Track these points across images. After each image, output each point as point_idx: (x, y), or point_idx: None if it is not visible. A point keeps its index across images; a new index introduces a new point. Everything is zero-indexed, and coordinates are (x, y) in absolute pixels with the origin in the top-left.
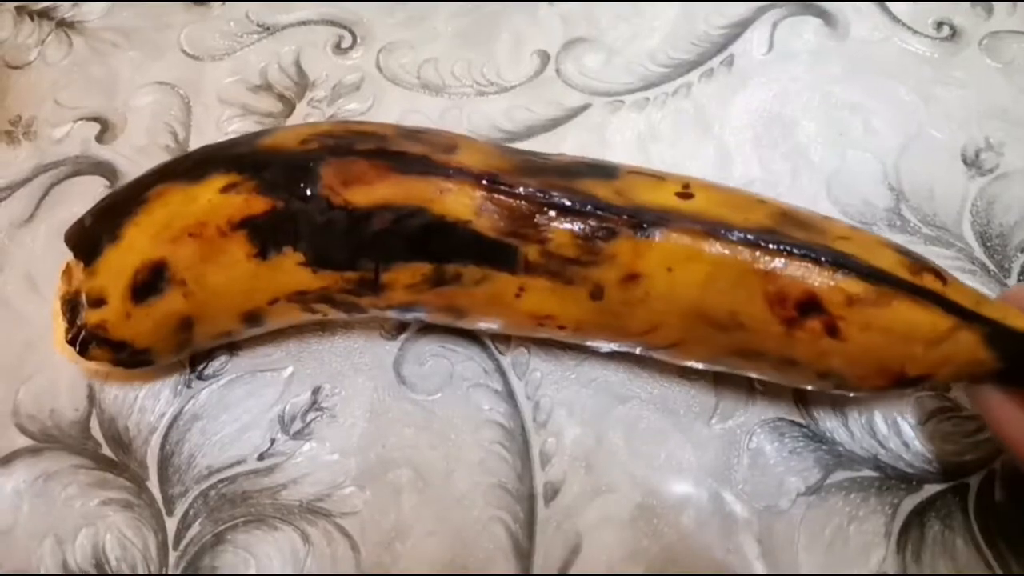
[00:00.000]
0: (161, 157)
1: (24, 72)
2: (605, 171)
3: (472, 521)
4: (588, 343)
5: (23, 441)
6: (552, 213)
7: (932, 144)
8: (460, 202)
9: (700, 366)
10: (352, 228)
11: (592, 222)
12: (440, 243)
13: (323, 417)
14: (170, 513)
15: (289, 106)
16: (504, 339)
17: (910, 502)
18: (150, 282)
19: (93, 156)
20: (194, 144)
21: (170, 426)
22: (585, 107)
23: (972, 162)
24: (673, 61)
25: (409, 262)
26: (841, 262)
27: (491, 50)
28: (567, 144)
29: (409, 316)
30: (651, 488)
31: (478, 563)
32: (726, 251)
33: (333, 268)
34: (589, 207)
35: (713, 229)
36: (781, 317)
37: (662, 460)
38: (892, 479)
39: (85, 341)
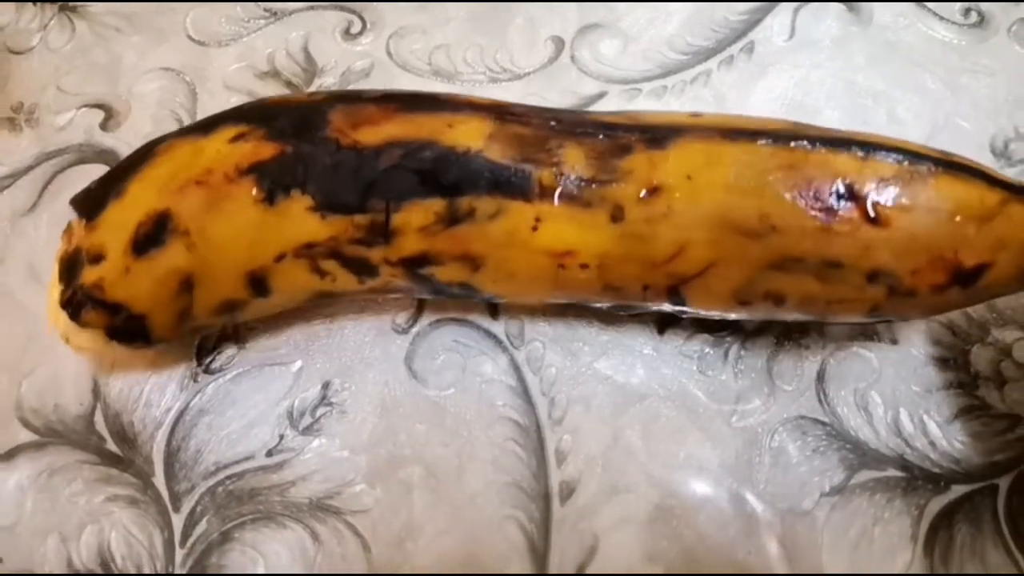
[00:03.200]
0: None
1: (26, 57)
2: (612, 113)
3: (485, 520)
4: (611, 300)
5: (26, 436)
6: (564, 135)
7: (960, 134)
8: (469, 132)
9: (736, 314)
10: (361, 166)
11: (606, 140)
12: (451, 175)
13: (333, 412)
14: (176, 510)
15: (297, 93)
16: (519, 332)
17: (937, 503)
18: (153, 233)
19: (97, 144)
20: None
21: (176, 421)
22: (601, 95)
23: (1001, 152)
24: (691, 48)
25: (421, 199)
26: (868, 146)
27: (504, 36)
28: None
29: (421, 279)
30: (670, 488)
31: (492, 563)
32: (747, 151)
33: (342, 212)
34: (600, 131)
35: (730, 133)
36: (814, 209)
37: (681, 459)
38: (919, 479)
39: (79, 304)
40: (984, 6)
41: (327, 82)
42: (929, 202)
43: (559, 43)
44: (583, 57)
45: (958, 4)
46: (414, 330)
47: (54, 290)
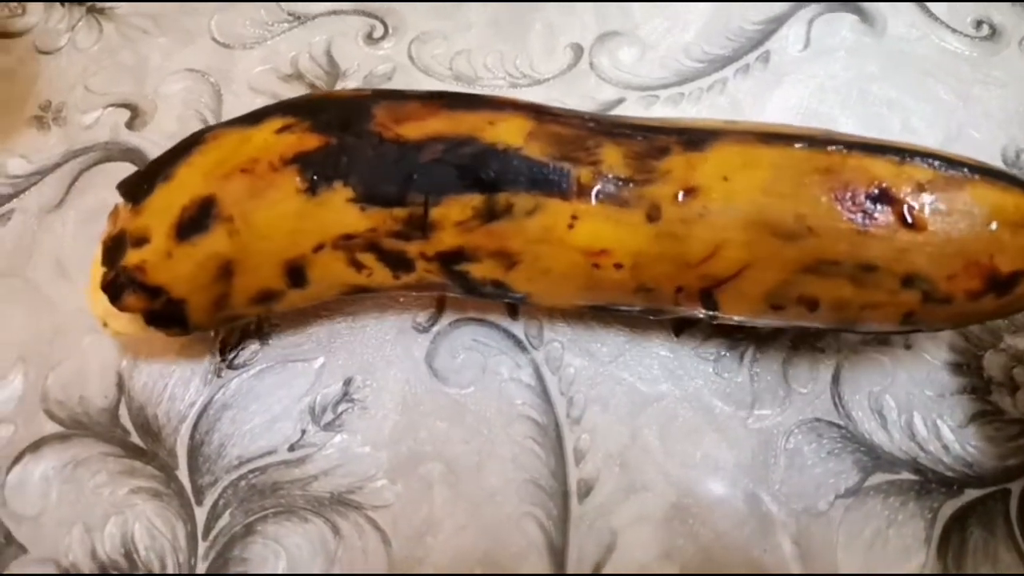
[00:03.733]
0: None
1: (54, 57)
2: (647, 118)
3: (504, 517)
4: (643, 303)
5: (52, 427)
6: (603, 135)
7: (972, 144)
8: (510, 130)
9: (765, 320)
10: (402, 159)
11: (644, 141)
12: (491, 170)
13: (354, 409)
14: (199, 503)
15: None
16: (538, 332)
17: (950, 507)
18: (197, 218)
19: (123, 142)
20: None
21: (200, 415)
22: (620, 101)
23: (1013, 163)
24: (708, 56)
25: (459, 194)
26: (905, 152)
27: (524, 42)
28: None
29: (455, 276)
30: (686, 487)
31: (510, 559)
32: (784, 153)
33: (382, 204)
34: (638, 132)
35: (767, 137)
36: (851, 212)
37: (697, 459)
38: (932, 483)
39: (121, 285)
40: (996, 19)
41: (350, 85)
42: (965, 207)
43: (578, 50)
44: (602, 64)
45: (970, 16)
46: (435, 329)
47: (95, 273)
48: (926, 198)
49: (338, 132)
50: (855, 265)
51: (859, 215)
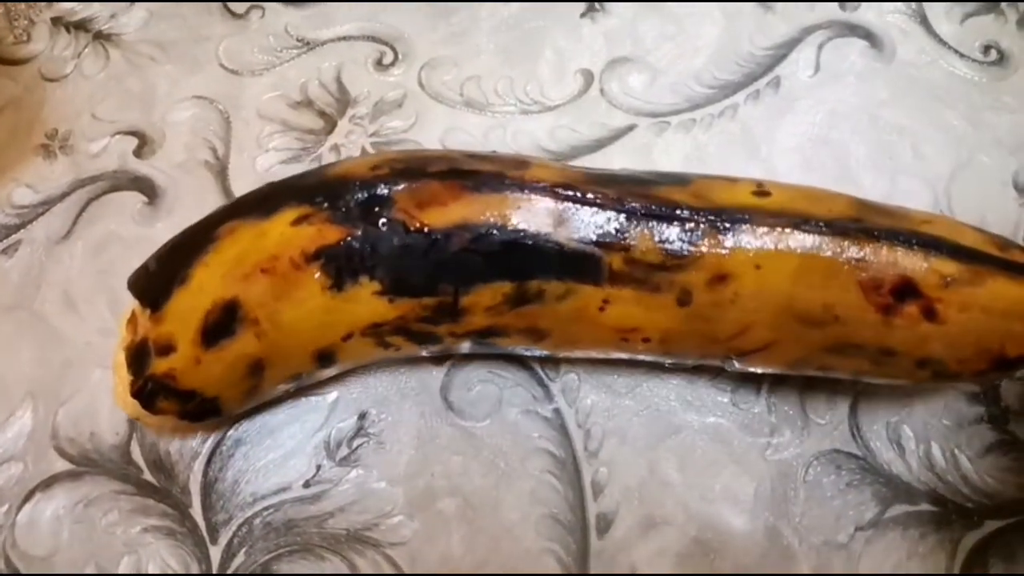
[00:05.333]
0: (200, 173)
1: (60, 85)
2: (677, 178)
3: (523, 552)
4: (662, 358)
5: (62, 465)
6: (634, 220)
7: (982, 170)
8: (538, 215)
9: (783, 371)
10: (430, 250)
11: (676, 226)
12: (521, 259)
13: (370, 443)
14: (214, 541)
15: (330, 123)
16: (554, 364)
17: (971, 538)
18: (222, 323)
19: (131, 171)
20: (234, 161)
21: (213, 451)
22: (631, 128)
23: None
24: (719, 82)
25: (489, 282)
26: (932, 244)
27: (534, 68)
28: (613, 166)
29: (482, 346)
30: (706, 521)
31: None
32: (815, 242)
33: (411, 295)
34: (670, 211)
35: (799, 223)
36: (878, 305)
37: (717, 492)
38: (952, 514)
39: (152, 393)
40: (1004, 44)
41: (360, 112)
42: (986, 302)
43: (588, 76)
44: (612, 90)
45: (978, 41)
46: (449, 362)
47: (122, 383)
48: (950, 293)
49: (359, 222)
50: (876, 349)
51: (886, 307)
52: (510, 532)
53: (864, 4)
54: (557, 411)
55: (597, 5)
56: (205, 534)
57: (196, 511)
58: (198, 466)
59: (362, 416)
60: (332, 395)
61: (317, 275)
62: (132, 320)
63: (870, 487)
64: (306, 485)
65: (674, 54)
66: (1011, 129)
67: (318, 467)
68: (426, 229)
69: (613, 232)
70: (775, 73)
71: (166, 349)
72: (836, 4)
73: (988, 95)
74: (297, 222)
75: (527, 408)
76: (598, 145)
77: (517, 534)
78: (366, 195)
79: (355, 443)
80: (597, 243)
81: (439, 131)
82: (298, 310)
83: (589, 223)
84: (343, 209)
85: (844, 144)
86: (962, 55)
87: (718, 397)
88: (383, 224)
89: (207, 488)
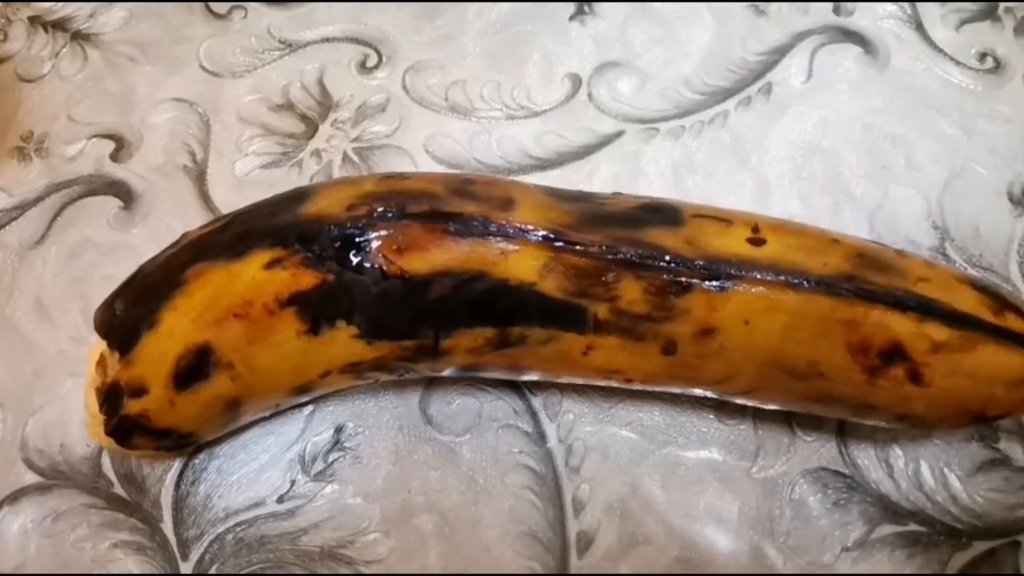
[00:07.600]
0: (178, 177)
1: (37, 86)
2: (670, 216)
3: (501, 571)
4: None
5: (31, 477)
6: (621, 270)
7: (977, 180)
8: (524, 264)
9: (766, 407)
10: (409, 297)
11: (664, 277)
12: (504, 307)
13: (346, 458)
14: (185, 558)
15: (312, 127)
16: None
17: (959, 559)
18: (195, 367)
19: (108, 175)
20: (213, 165)
21: (185, 465)
22: (619, 134)
23: (1018, 200)
24: (709, 88)
25: (471, 328)
26: (925, 307)
27: (521, 72)
28: (601, 173)
29: (463, 376)
30: (689, 540)
31: None
32: (806, 301)
33: (390, 339)
34: (660, 262)
35: (791, 279)
36: (864, 366)
37: (700, 510)
38: (940, 535)
39: (127, 432)
40: (1000, 51)
41: (342, 116)
42: (972, 368)
43: (576, 80)
44: (600, 95)
45: (973, 49)
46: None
47: (95, 421)
48: (938, 359)
49: (335, 266)
50: (857, 404)
51: (871, 368)
52: (488, 550)
53: (859, 9)
54: (538, 425)
55: (587, 7)
56: (176, 550)
57: (167, 526)
58: (170, 480)
59: (339, 429)
60: (308, 408)
61: (291, 320)
62: (101, 362)
63: (857, 506)
64: (280, 500)
65: (664, 59)
66: (1006, 138)
67: (292, 482)
68: (406, 275)
69: (599, 283)
70: (767, 79)
71: (138, 392)
72: (830, 9)
73: (983, 103)
74: (270, 265)
75: (508, 423)
76: (585, 151)
77: (495, 552)
78: (342, 239)
79: (331, 457)
80: (583, 294)
81: (423, 136)
82: (274, 354)
83: (575, 273)
84: (318, 253)
85: (836, 152)
86: (957, 62)
87: (703, 413)
88: (360, 269)
89: (179, 502)
